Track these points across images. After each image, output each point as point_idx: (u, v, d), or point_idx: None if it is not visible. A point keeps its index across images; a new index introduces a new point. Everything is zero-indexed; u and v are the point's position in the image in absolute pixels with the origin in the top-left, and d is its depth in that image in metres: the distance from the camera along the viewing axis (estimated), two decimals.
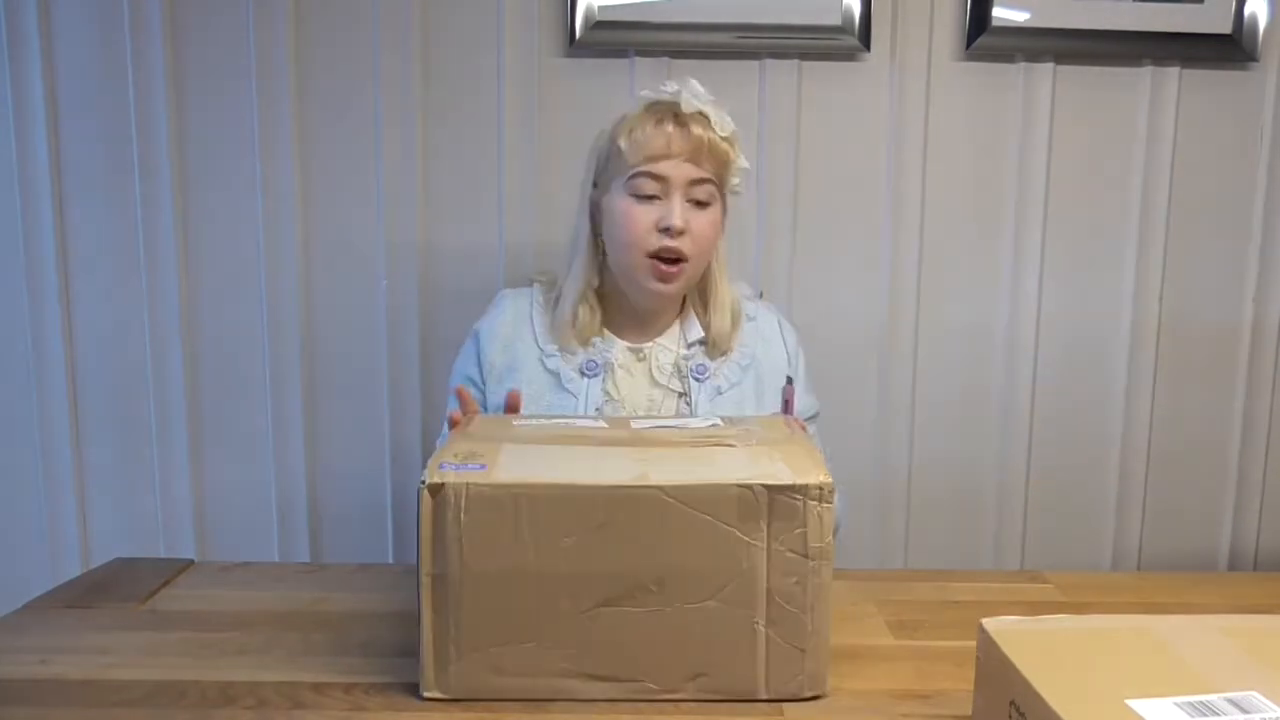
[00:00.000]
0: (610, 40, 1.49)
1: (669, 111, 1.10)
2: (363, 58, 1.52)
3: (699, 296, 1.20)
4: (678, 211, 1.09)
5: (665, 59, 1.51)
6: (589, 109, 1.53)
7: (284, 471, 1.60)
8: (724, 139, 1.10)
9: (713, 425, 0.97)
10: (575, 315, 1.15)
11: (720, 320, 1.18)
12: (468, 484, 0.78)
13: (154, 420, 1.59)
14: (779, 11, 1.48)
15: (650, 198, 1.10)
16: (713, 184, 1.11)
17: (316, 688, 0.84)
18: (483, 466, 0.80)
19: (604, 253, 1.17)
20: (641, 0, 1.48)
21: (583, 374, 1.14)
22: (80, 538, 1.61)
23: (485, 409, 1.17)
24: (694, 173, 1.09)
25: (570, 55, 1.52)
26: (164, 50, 1.51)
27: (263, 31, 1.50)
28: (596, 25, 1.48)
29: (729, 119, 1.12)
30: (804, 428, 1.02)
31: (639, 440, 0.90)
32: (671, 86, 1.12)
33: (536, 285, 1.23)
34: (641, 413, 1.15)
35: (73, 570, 1.51)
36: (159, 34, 1.50)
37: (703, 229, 1.11)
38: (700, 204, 1.11)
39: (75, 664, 0.89)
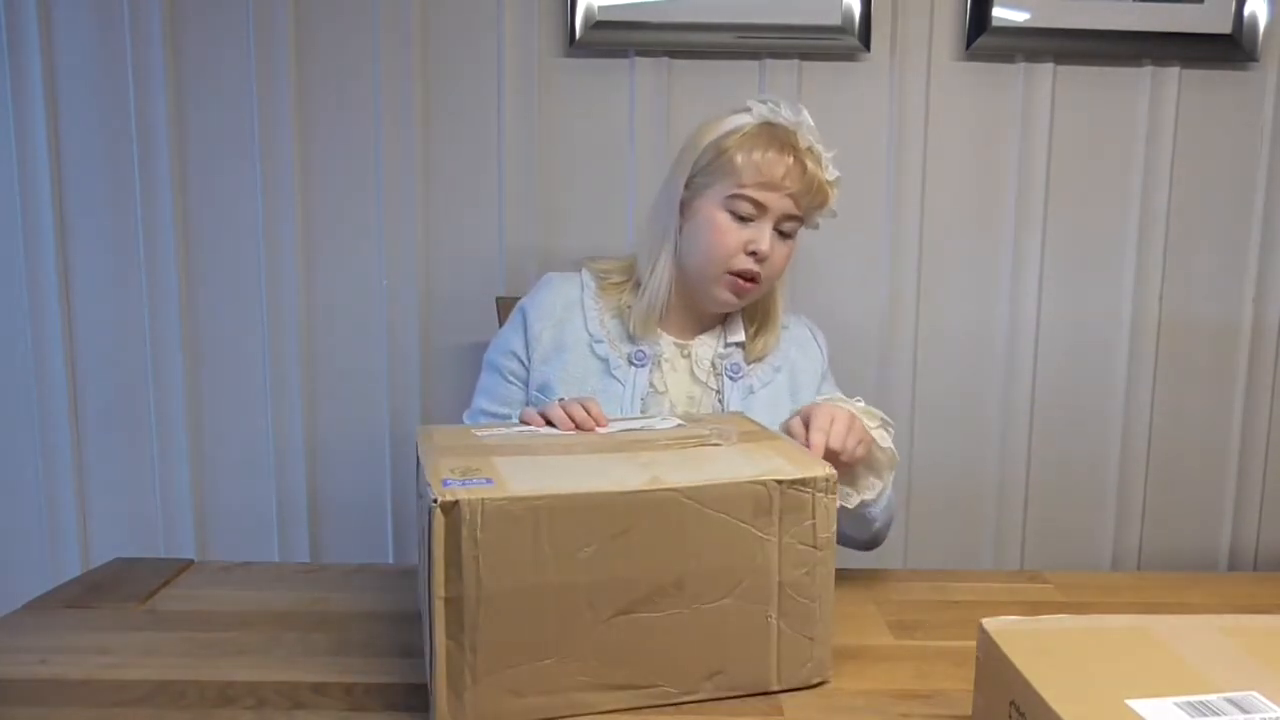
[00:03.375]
0: (610, 40, 1.49)
1: (787, 141, 1.10)
2: (363, 58, 1.52)
3: (754, 310, 1.22)
4: (767, 239, 1.11)
5: (665, 59, 1.52)
6: (589, 109, 1.53)
7: (284, 471, 1.60)
8: (830, 182, 1.12)
9: (679, 426, 0.97)
10: (664, 306, 1.16)
11: (768, 339, 1.20)
12: (483, 500, 0.74)
13: (154, 420, 1.59)
14: (779, 11, 1.48)
15: (744, 219, 1.11)
16: (800, 221, 1.14)
17: (316, 688, 0.84)
18: (489, 481, 0.77)
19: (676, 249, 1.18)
20: (641, 0, 1.48)
21: (631, 363, 1.15)
22: (80, 538, 1.61)
23: (527, 386, 1.18)
24: (791, 209, 1.11)
25: (570, 55, 1.52)
26: (164, 51, 1.51)
27: (263, 32, 1.50)
28: (596, 25, 1.48)
29: (836, 170, 1.13)
30: None
31: (622, 445, 0.90)
32: (786, 110, 1.12)
33: (586, 271, 1.22)
34: (681, 408, 1.16)
35: (73, 570, 1.52)
36: (159, 34, 1.50)
37: (780, 258, 1.14)
38: (785, 235, 1.14)
39: (75, 664, 0.89)
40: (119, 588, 1.08)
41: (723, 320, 1.21)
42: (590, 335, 1.17)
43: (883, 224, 1.56)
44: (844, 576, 1.14)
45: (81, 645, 0.93)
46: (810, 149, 1.11)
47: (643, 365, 1.15)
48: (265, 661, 0.89)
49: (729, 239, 1.11)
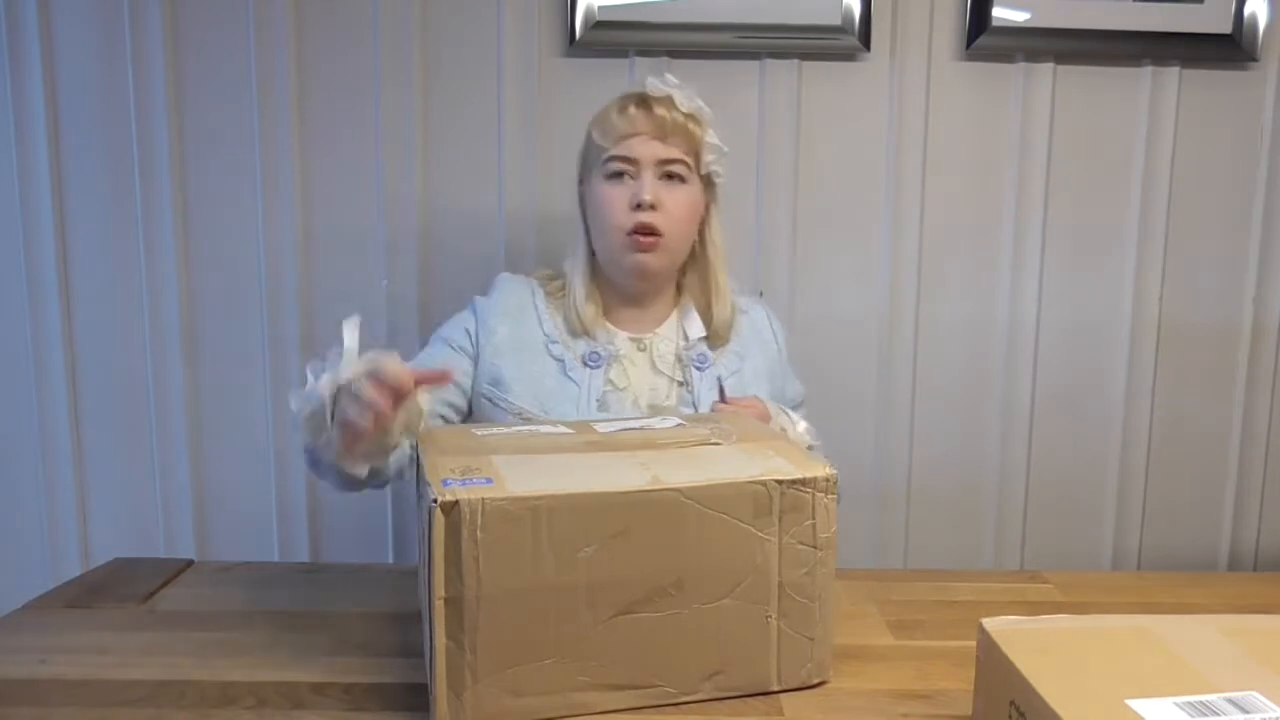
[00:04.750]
0: (610, 40, 1.49)
1: (636, 98, 1.15)
2: (363, 58, 1.52)
3: (699, 287, 1.23)
4: (648, 186, 1.12)
5: (665, 59, 1.51)
6: (589, 109, 1.52)
7: (284, 471, 1.60)
8: (688, 115, 1.14)
9: (678, 425, 0.97)
10: (586, 304, 1.18)
11: (721, 310, 1.21)
12: (483, 500, 0.75)
13: (154, 420, 1.59)
14: (779, 11, 1.48)
15: (623, 176, 1.14)
16: (684, 163, 1.15)
17: (316, 688, 0.84)
18: (489, 481, 0.78)
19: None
20: (641, 0, 1.48)
21: (585, 364, 1.16)
22: (80, 538, 1.61)
23: (475, 365, 1.18)
24: (663, 151, 1.13)
25: (570, 55, 1.52)
26: (164, 51, 1.51)
27: (263, 32, 1.50)
28: (596, 25, 1.48)
29: (700, 102, 1.16)
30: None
31: (621, 444, 0.89)
32: (648, 81, 1.17)
33: (535, 279, 1.25)
34: (644, 401, 1.16)
35: (73, 570, 1.51)
36: (159, 34, 1.50)
37: (677, 204, 1.14)
38: (673, 179, 1.14)
39: (75, 664, 0.89)
40: (119, 588, 1.08)
41: (675, 309, 1.22)
42: (546, 335, 1.18)
43: (882, 224, 1.56)
44: (844, 576, 1.14)
45: (81, 645, 0.93)
46: (665, 98, 1.14)
47: (597, 366, 1.16)
48: (265, 661, 0.90)
49: (614, 202, 1.13)
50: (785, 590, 0.82)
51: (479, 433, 0.95)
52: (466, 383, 1.18)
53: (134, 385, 1.58)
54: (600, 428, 0.96)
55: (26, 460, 1.60)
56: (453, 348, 1.19)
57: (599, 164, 1.15)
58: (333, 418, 0.90)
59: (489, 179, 1.54)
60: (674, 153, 1.13)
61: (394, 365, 0.89)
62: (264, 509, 1.61)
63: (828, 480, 0.82)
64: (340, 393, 0.89)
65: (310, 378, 0.96)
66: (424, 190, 1.54)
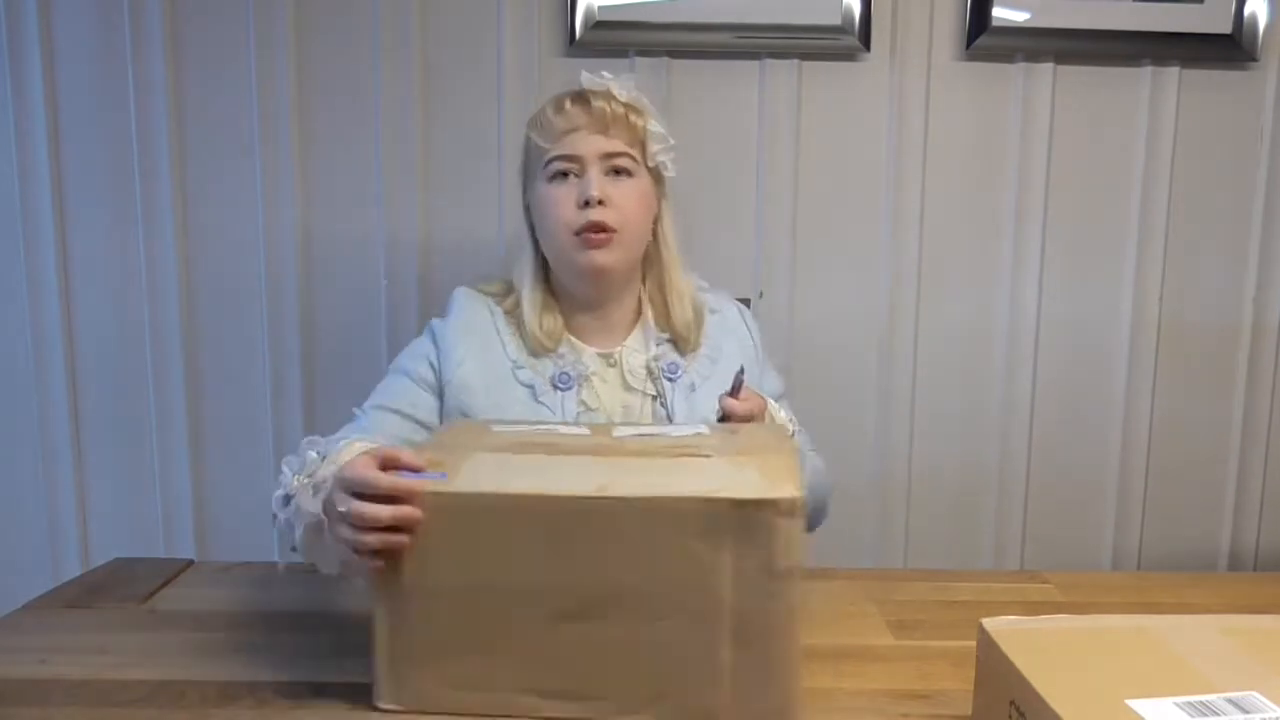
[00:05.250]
0: (610, 40, 1.49)
1: (572, 94, 1.10)
2: (363, 59, 1.52)
3: (656, 291, 1.16)
4: (594, 182, 1.06)
5: (665, 59, 1.52)
6: None
7: None
8: (627, 105, 1.09)
9: (696, 434, 0.92)
10: (540, 321, 1.12)
11: (681, 310, 1.14)
12: (426, 494, 0.76)
13: (154, 420, 1.59)
14: (779, 11, 1.48)
15: (567, 176, 1.08)
16: (629, 155, 1.09)
17: (316, 688, 0.84)
18: (443, 475, 0.79)
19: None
20: (641, 0, 1.48)
21: (555, 387, 1.10)
22: (80, 538, 1.61)
23: (441, 401, 1.11)
24: (605, 145, 1.08)
25: (570, 55, 1.52)
26: (164, 52, 1.51)
27: (263, 34, 1.50)
28: (596, 25, 1.48)
29: (638, 93, 1.11)
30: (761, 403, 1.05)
31: (614, 449, 0.87)
32: (583, 75, 1.12)
33: (489, 297, 1.17)
34: (619, 420, 1.10)
35: (73, 570, 1.52)
36: (159, 35, 1.50)
37: (626, 198, 1.08)
38: (620, 174, 1.09)
39: (75, 664, 0.89)
40: (119, 588, 1.08)
41: (638, 319, 1.16)
42: (511, 360, 1.11)
43: (882, 224, 1.56)
44: (844, 576, 1.15)
45: (81, 645, 0.93)
46: (602, 92, 1.09)
47: (568, 388, 1.10)
48: (265, 661, 0.90)
49: (561, 202, 1.07)
50: (738, 619, 0.75)
51: (495, 428, 0.94)
52: (434, 420, 1.11)
53: (134, 385, 1.58)
54: (616, 432, 0.94)
55: (26, 460, 1.60)
56: (414, 381, 1.11)
57: (541, 167, 1.09)
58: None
59: (489, 179, 1.54)
60: (617, 145, 1.08)
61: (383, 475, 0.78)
62: (264, 509, 1.59)
63: (791, 502, 0.73)
64: (333, 515, 0.82)
65: (286, 472, 0.97)
66: (424, 190, 1.54)
